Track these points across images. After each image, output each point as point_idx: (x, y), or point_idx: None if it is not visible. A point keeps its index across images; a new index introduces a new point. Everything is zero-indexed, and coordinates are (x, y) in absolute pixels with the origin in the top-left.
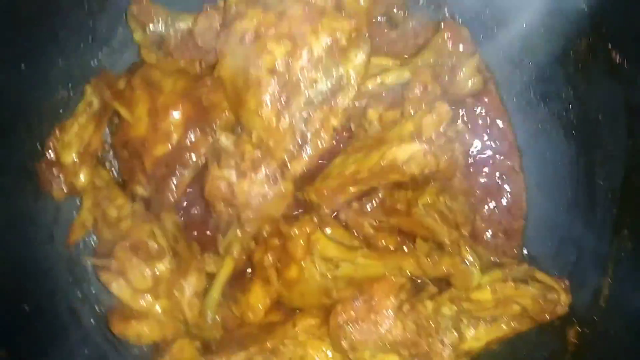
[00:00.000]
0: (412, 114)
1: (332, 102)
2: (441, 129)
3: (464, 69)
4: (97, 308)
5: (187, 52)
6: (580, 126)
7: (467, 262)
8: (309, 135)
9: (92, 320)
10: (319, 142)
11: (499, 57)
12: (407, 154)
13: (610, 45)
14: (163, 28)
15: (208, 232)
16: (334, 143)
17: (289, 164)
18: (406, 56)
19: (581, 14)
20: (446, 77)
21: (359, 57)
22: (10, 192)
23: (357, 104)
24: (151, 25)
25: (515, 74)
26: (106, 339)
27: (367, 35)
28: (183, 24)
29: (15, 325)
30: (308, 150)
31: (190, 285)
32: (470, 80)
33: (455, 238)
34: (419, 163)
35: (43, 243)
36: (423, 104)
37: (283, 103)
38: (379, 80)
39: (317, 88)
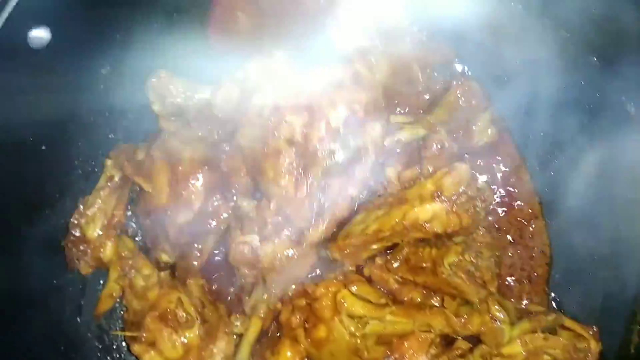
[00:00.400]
0: (430, 170)
1: (350, 172)
2: (462, 189)
3: (478, 123)
4: None
5: (205, 123)
6: (599, 174)
7: (498, 320)
8: (327, 204)
9: None
10: (337, 211)
11: (512, 107)
12: (430, 213)
13: (624, 97)
14: (181, 99)
15: (232, 289)
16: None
17: (306, 232)
18: (420, 110)
19: (592, 66)
20: (461, 132)
21: (376, 129)
22: (38, 268)
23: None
24: (170, 97)
25: (529, 123)
26: None
27: (383, 106)
28: (201, 96)
29: None
30: (326, 218)
31: (219, 350)
32: (485, 133)
33: (483, 297)
34: (442, 222)
35: (71, 315)
36: (441, 162)
37: (301, 173)
38: (394, 137)
39: (335, 159)
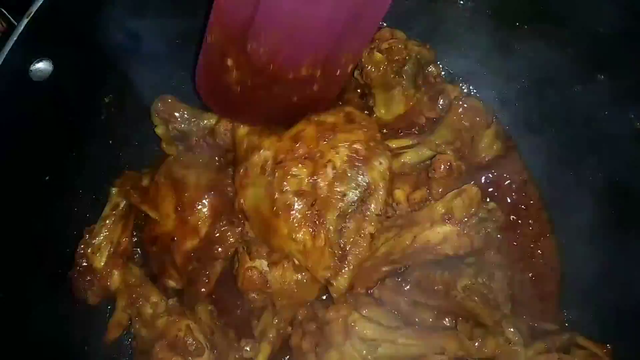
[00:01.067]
0: (440, 191)
1: (365, 209)
2: (472, 210)
3: (485, 140)
4: None
5: (207, 149)
6: (609, 190)
7: (512, 342)
8: (348, 247)
9: None
10: (358, 251)
11: (518, 124)
12: (440, 236)
13: (632, 115)
14: (186, 125)
15: (240, 313)
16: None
17: (333, 281)
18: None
19: (599, 83)
20: (466, 150)
21: (383, 163)
22: (44, 298)
23: None
24: (174, 122)
25: (537, 140)
26: None
27: (381, 140)
28: (205, 122)
29: None
30: (350, 262)
31: None
32: (491, 149)
33: (498, 319)
34: (453, 244)
35: (79, 345)
36: (450, 183)
37: (316, 222)
38: (401, 160)
39: (347, 200)
